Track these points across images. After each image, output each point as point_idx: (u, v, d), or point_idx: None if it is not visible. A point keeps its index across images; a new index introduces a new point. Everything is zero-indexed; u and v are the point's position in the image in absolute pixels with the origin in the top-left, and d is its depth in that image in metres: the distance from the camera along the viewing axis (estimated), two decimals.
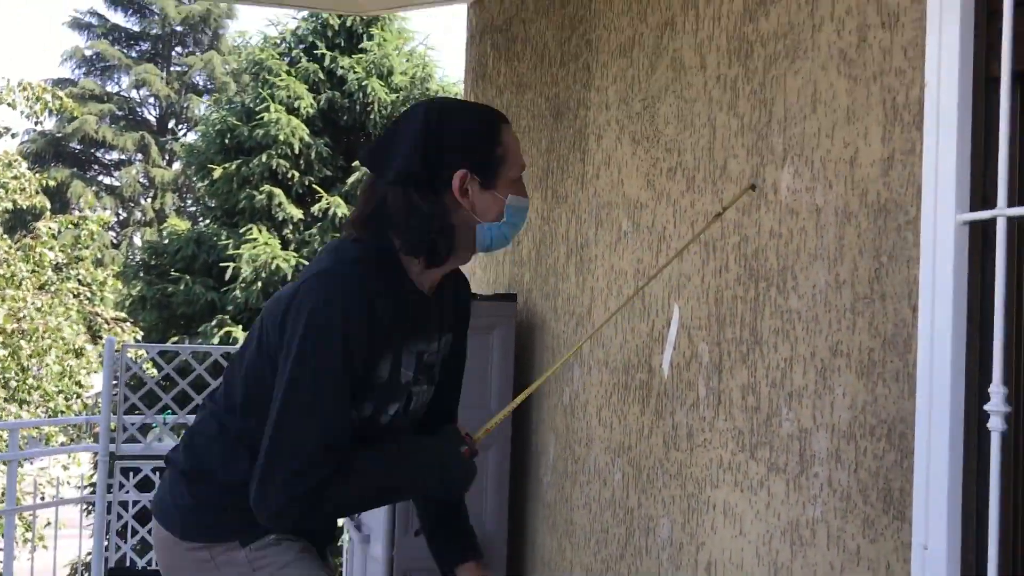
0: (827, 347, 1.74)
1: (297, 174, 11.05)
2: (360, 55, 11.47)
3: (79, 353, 10.27)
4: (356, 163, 11.10)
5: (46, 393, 9.91)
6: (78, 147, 23.84)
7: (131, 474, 5.03)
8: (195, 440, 1.77)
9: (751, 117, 2.04)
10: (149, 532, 4.82)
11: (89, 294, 11.13)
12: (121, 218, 24.06)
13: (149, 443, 5.01)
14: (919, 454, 1.48)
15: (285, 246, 10.82)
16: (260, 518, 1.58)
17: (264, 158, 10.92)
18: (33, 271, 10.19)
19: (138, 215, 23.91)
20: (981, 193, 1.45)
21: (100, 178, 24.49)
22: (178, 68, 24.84)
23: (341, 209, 10.82)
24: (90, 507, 5.05)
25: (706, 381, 2.16)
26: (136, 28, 24.71)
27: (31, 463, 9.26)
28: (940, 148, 1.48)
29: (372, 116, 11.22)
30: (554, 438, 3.15)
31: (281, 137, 10.82)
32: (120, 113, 24.32)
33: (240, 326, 10.29)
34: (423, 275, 1.71)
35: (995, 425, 1.35)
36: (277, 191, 10.98)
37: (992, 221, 1.40)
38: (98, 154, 24.51)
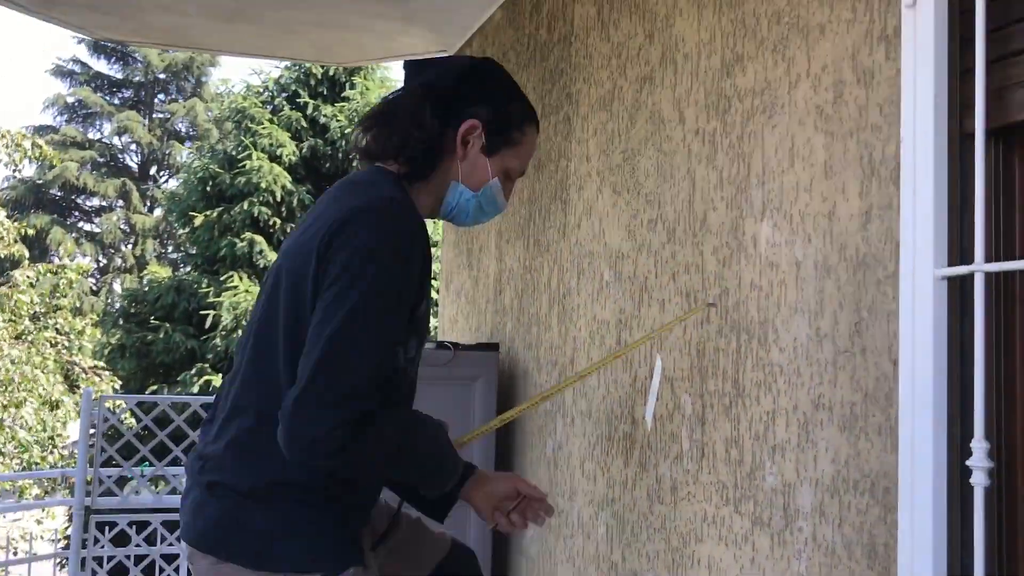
0: (809, 400, 1.74)
1: (279, 221, 11.05)
2: (343, 103, 11.55)
3: (55, 405, 10.13)
4: None
5: (20, 444, 9.75)
6: (59, 194, 23.76)
7: (107, 528, 4.94)
8: (242, 449, 1.52)
9: (730, 170, 2.06)
10: None
11: (67, 343, 11.02)
12: (101, 264, 23.92)
13: (126, 496, 4.92)
14: (903, 509, 1.47)
15: None
16: (291, 447, 1.39)
17: (246, 205, 10.92)
18: (10, 320, 10.09)
19: (118, 261, 23.78)
20: (959, 248, 1.46)
21: (81, 224, 24.38)
22: (160, 115, 24.90)
23: None
24: (64, 562, 4.93)
25: (689, 433, 2.15)
26: (119, 75, 24.79)
27: (3, 517, 9.07)
28: (917, 203, 1.49)
29: (354, 164, 11.23)
30: None
31: (263, 184, 10.84)
32: (102, 160, 24.30)
33: (220, 374, 10.20)
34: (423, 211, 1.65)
35: (978, 480, 1.35)
36: (259, 238, 10.96)
37: (970, 276, 1.42)
38: (79, 200, 24.42)
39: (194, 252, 11.73)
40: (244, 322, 10.30)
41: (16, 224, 11.41)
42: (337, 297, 1.42)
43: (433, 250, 3.96)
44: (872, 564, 1.55)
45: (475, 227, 3.09)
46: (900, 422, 1.49)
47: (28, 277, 10.63)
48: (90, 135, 24.70)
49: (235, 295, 10.45)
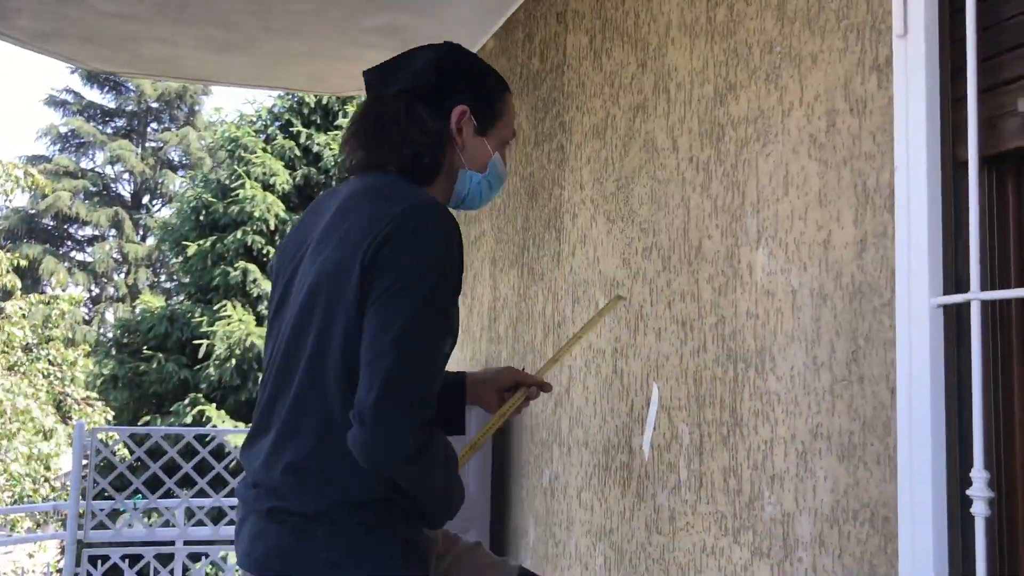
0: (807, 429, 1.73)
1: (272, 250, 11.05)
2: (336, 132, 11.60)
3: (48, 435, 10.06)
4: None
5: (12, 477, 9.67)
6: (51, 223, 23.74)
7: (99, 562, 4.88)
8: (303, 473, 1.48)
9: (724, 199, 2.06)
10: None
11: (59, 374, 10.95)
12: (93, 294, 23.86)
13: (119, 529, 4.88)
14: (903, 539, 1.46)
15: (260, 323, 10.75)
16: (374, 452, 1.38)
17: (239, 234, 10.93)
18: (2, 351, 10.04)
19: (111, 291, 23.72)
20: (954, 276, 1.46)
21: (73, 254, 24.34)
22: (153, 144, 24.94)
23: None
24: None
25: (687, 463, 2.14)
26: (112, 104, 24.85)
27: None
28: (912, 231, 1.49)
29: None
30: (533, 521, 3.09)
31: (256, 213, 10.85)
32: (94, 189, 24.30)
33: (214, 404, 10.15)
34: None
35: (979, 510, 1.34)
36: (252, 267, 10.96)
37: (966, 304, 1.42)
38: (71, 230, 24.40)
39: (187, 281, 11.73)
40: (238, 351, 10.29)
41: (8, 255, 11.38)
42: (397, 302, 1.42)
43: None
44: None
45: (468, 255, 3.07)
46: (899, 451, 1.48)
47: (20, 308, 10.58)
48: (83, 164, 24.71)
49: (228, 324, 10.42)
